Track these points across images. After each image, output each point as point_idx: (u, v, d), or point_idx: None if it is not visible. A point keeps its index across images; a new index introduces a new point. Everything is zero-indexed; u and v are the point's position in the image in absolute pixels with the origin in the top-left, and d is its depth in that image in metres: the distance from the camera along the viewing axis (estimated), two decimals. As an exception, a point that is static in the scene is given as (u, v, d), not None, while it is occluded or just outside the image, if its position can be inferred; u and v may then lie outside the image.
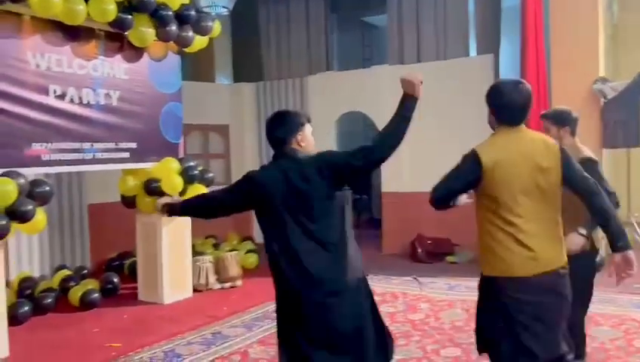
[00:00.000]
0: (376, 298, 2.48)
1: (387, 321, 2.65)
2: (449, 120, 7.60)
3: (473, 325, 2.48)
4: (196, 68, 10.14)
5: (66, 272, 6.16)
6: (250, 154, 9.34)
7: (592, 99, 6.41)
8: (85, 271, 6.59)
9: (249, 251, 7.56)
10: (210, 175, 5.75)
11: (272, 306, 5.26)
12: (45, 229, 6.63)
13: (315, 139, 2.48)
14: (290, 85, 8.95)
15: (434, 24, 7.92)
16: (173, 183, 5.28)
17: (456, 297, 5.39)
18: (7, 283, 5.94)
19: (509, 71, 7.33)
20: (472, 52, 7.81)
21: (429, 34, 7.96)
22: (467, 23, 7.75)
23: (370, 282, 2.47)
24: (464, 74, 7.52)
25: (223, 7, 4.31)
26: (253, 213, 2.39)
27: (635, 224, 6.53)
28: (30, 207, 3.97)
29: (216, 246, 8.14)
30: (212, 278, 6.07)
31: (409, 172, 7.85)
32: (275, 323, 2.47)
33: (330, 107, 8.49)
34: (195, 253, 7.30)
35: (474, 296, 2.53)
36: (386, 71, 8.15)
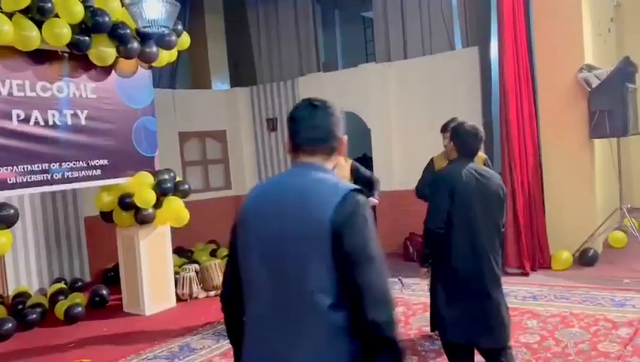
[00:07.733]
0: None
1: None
2: (438, 116, 7.42)
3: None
4: (194, 75, 10.26)
5: (59, 286, 6.36)
6: (248, 158, 9.41)
7: (577, 88, 6.14)
8: (80, 284, 6.81)
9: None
10: (186, 186, 5.81)
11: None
12: (42, 243, 6.99)
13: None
14: (282, 88, 8.93)
15: (419, 19, 7.76)
16: (145, 197, 5.37)
17: (433, 300, 5.29)
18: (3, 299, 6.21)
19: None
20: (459, 45, 7.62)
21: (415, 29, 7.81)
22: (451, 16, 7.56)
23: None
24: (450, 68, 7.35)
25: (163, 26, 4.29)
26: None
27: (626, 212, 6.28)
28: (-11, 231, 4.10)
29: (214, 251, 8.26)
30: (196, 287, 6.15)
31: (400, 170, 7.73)
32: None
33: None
34: (192, 260, 7.46)
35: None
36: (373, 69, 8.06)
